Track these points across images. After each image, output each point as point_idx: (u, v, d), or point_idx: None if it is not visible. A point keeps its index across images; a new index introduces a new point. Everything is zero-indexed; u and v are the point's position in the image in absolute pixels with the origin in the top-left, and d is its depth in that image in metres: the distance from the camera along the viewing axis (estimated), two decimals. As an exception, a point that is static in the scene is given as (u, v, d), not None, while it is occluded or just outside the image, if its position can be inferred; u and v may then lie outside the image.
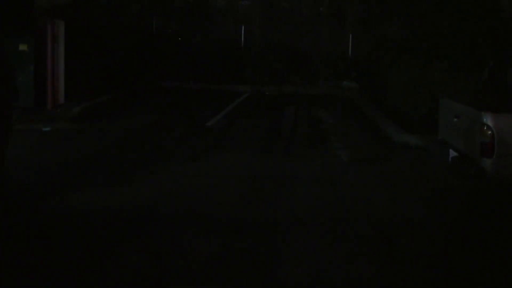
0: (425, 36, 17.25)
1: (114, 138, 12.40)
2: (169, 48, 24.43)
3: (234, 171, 9.84)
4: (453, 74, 14.44)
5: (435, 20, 17.36)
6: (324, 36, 25.77)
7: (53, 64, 15.47)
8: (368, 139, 13.39)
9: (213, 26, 26.35)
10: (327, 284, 5.60)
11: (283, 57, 24.57)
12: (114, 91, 18.64)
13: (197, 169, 9.86)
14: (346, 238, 6.78)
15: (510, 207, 8.22)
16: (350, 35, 25.36)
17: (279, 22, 26.30)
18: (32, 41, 14.88)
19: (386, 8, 20.59)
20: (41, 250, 6.15)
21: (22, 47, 14.80)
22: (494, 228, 7.39)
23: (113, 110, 16.33)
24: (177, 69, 23.57)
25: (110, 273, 5.66)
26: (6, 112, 7.11)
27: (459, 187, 9.10)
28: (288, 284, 5.58)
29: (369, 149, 12.31)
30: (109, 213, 7.35)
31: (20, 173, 8.76)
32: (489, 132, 7.51)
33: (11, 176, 7.48)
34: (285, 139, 13.10)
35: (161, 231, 6.79)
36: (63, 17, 16.37)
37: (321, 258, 6.15)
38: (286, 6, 27.79)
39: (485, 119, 7.58)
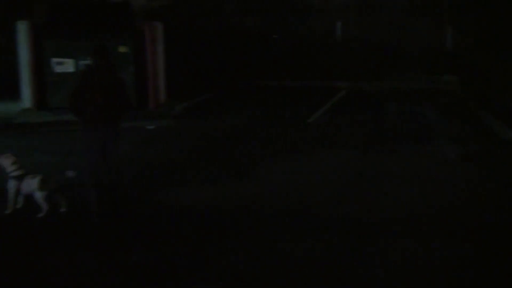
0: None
1: (216, 135, 12.49)
2: (265, 47, 24.40)
3: (335, 168, 9.64)
4: None
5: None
6: (421, 28, 25.06)
7: (153, 65, 15.74)
8: (473, 135, 12.81)
9: (308, 23, 26.10)
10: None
11: (380, 52, 24.07)
12: (212, 90, 18.78)
13: (299, 166, 9.76)
14: (451, 241, 6.43)
15: None
16: (449, 26, 24.57)
17: (375, 16, 25.79)
18: (131, 43, 15.16)
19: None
20: (146, 239, 6.40)
21: (122, 49, 15.09)
22: None
23: (213, 108, 16.48)
24: (273, 67, 23.49)
25: (216, 263, 5.76)
26: (118, 119, 7.36)
27: None
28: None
29: (474, 145, 11.75)
30: (212, 208, 7.47)
31: (129, 169, 8.83)
32: None
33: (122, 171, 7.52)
34: (386, 135, 12.75)
35: (262, 228, 6.78)
36: (161, 19, 16.59)
37: (421, 261, 5.87)
38: (382, -1, 27.23)
39: None
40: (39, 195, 7.12)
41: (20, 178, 7.20)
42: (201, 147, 11.24)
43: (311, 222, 6.98)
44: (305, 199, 7.87)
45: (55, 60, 15.08)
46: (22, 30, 15.00)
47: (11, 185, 7.21)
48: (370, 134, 12.89)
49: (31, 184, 7.14)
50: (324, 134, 12.86)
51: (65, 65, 15.13)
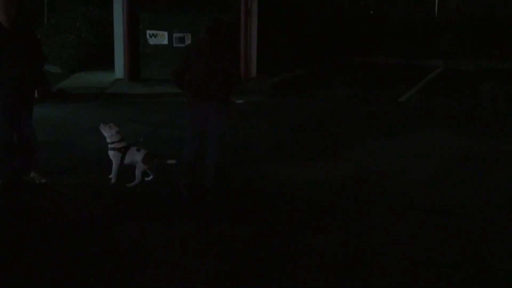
0: None
1: (308, 112, 12.41)
2: (361, 23, 23.90)
3: (429, 150, 9.34)
4: None
5: None
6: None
7: (246, 38, 15.66)
8: None
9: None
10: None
11: (480, 29, 23.10)
12: (306, 66, 18.56)
13: (391, 146, 9.53)
14: None
15: None
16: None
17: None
18: (226, 16, 15.12)
19: None
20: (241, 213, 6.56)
21: (214, 21, 15.09)
22: None
23: (306, 84, 16.31)
24: (368, 44, 22.99)
25: (313, 238, 5.83)
26: (227, 96, 7.17)
27: None
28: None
29: None
30: (308, 187, 7.47)
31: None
32: None
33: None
34: (483, 117, 12.26)
35: (358, 209, 6.72)
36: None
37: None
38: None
39: None
40: (140, 169, 7.29)
41: (123, 150, 7.34)
42: (292, 125, 11.16)
43: (408, 204, 6.88)
44: (402, 181, 7.75)
45: (149, 32, 15.27)
46: (118, 1, 15.23)
47: (117, 156, 7.35)
48: (465, 115, 12.41)
49: (136, 156, 7.32)
50: (415, 114, 12.52)
51: (159, 38, 15.31)
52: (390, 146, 9.51)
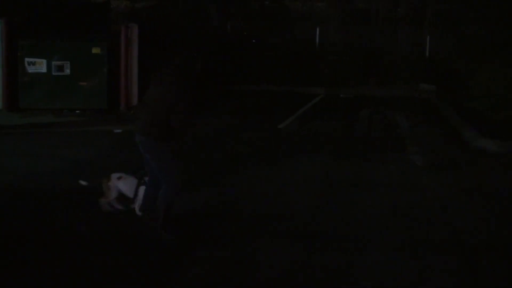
0: (509, 35, 16.57)
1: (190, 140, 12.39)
2: (244, 51, 24.35)
3: (306, 175, 9.61)
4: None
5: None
6: (401, 37, 25.19)
7: (126, 67, 15.64)
8: (445, 144, 12.91)
9: (288, 28, 26.13)
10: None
11: (358, 59, 24.14)
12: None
13: (269, 172, 9.68)
14: (419, 248, 6.44)
15: None
16: (428, 35, 24.69)
17: (355, 23, 25.87)
18: (105, 44, 15.09)
19: (467, 4, 19.92)
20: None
21: (95, 50, 15.05)
22: None
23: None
24: (251, 72, 23.45)
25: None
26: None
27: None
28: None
29: (444, 154, 11.83)
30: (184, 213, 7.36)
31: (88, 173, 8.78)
32: None
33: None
34: (359, 142, 12.78)
35: (236, 236, 6.69)
36: (139, 21, 16.49)
37: (395, 270, 5.86)
38: (363, 6, 27.29)
39: None
40: None
41: None
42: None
43: (284, 230, 6.98)
44: (279, 206, 7.85)
45: (28, 59, 14.94)
46: (-2, 28, 14.87)
47: None
48: (342, 141, 12.89)
49: None
50: (294, 140, 12.85)
51: (38, 65, 15.00)
52: (265, 173, 9.69)
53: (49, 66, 15.00)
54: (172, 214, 6.53)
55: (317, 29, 25.44)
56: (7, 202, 7.61)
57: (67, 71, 14.93)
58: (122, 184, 7.25)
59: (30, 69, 15.00)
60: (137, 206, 7.07)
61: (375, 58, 24.40)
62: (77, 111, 15.02)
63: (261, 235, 6.67)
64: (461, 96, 17.27)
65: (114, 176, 7.28)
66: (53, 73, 14.99)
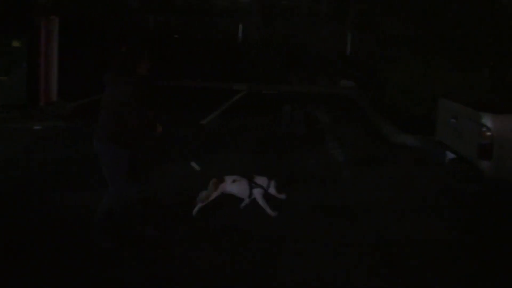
0: (425, 35, 17.06)
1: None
2: (166, 46, 24.10)
3: (228, 170, 9.59)
4: (453, 73, 14.28)
5: (436, 19, 17.18)
6: (323, 34, 25.45)
7: (46, 61, 15.26)
8: (365, 139, 13.18)
9: (211, 24, 26.03)
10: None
11: (281, 55, 24.29)
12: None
13: (189, 168, 9.61)
14: (340, 243, 6.57)
15: (509, 210, 8.01)
16: (349, 33, 25.12)
17: (278, 19, 26.03)
18: (25, 38, 14.67)
19: (387, 5, 20.38)
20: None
21: (15, 43, 14.60)
22: (492, 230, 7.20)
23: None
24: (174, 67, 23.23)
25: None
26: None
27: (456, 189, 8.88)
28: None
29: (364, 149, 12.10)
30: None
31: (8, 172, 8.57)
32: (488, 133, 7.31)
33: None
34: (281, 138, 12.89)
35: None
36: (61, 14, 16.07)
37: (319, 265, 5.97)
38: (285, 3, 27.49)
39: (484, 120, 7.38)
40: None
41: None
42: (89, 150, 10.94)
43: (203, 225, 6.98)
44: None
45: None
46: None
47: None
48: (264, 136, 12.98)
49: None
50: (217, 136, 12.85)
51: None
52: (187, 168, 9.61)
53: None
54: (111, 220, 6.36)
55: (240, 25, 25.47)
56: None
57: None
58: (236, 186, 7.34)
59: None
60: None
61: (297, 54, 24.61)
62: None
63: (183, 233, 6.69)
64: (380, 92, 17.65)
65: (229, 178, 7.36)
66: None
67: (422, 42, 17.03)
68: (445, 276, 5.85)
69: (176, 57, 23.36)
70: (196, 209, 7.24)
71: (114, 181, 6.14)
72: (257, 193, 7.33)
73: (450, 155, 8.60)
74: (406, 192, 8.81)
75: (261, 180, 7.40)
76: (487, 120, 7.37)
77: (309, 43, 24.90)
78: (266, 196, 7.33)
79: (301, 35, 25.07)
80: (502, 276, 5.93)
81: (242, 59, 24.09)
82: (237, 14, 26.19)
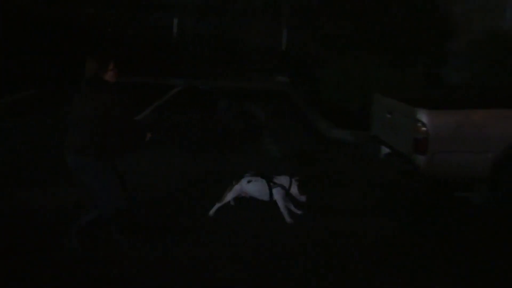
0: (360, 31, 17.23)
1: (35, 134, 11.84)
2: (101, 41, 23.59)
3: (161, 167, 9.48)
4: (388, 70, 14.43)
5: (371, 16, 17.37)
6: (259, 30, 25.44)
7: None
8: (301, 134, 13.17)
9: (147, 18, 25.64)
10: None
11: (217, 51, 24.17)
12: (39, 85, 17.76)
13: (121, 165, 9.39)
14: (272, 240, 6.49)
15: (444, 204, 8.11)
16: (284, 28, 25.17)
17: (214, 15, 25.86)
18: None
19: (322, 2, 20.51)
20: None
21: None
22: (427, 224, 7.26)
23: (36, 105, 15.55)
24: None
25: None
26: None
27: (392, 184, 8.95)
28: None
29: (300, 145, 12.08)
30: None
31: None
32: (423, 128, 7.37)
33: None
34: (218, 135, 12.76)
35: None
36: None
37: (248, 262, 5.86)
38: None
39: (419, 116, 7.43)
40: None
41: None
42: (12, 148, 10.66)
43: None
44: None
45: None
46: None
47: None
48: (200, 133, 12.80)
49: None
50: (151, 132, 12.56)
51: None
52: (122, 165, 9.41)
53: None
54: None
55: (175, 20, 25.20)
56: None
57: None
58: (252, 186, 6.95)
59: None
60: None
61: (233, 50, 24.52)
62: None
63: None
64: (316, 88, 17.70)
65: (245, 179, 6.99)
66: None
67: (357, 39, 17.20)
68: (385, 271, 5.85)
69: (111, 53, 22.89)
70: (213, 209, 7.03)
71: (106, 193, 5.93)
72: (278, 193, 6.92)
73: (385, 150, 8.65)
74: (342, 187, 8.82)
75: (281, 179, 7.02)
76: (422, 115, 7.42)
77: (245, 38, 24.85)
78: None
79: (237, 30, 24.99)
80: (438, 269, 5.96)
81: (178, 55, 23.85)
82: (172, 8, 25.89)
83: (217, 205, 7.04)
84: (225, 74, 23.74)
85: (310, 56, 20.20)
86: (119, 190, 5.97)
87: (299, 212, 7.09)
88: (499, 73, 13.74)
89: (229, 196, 7.04)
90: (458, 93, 10.88)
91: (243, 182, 7.01)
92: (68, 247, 5.99)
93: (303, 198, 7.00)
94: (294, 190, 6.98)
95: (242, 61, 24.33)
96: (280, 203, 6.91)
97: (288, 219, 6.91)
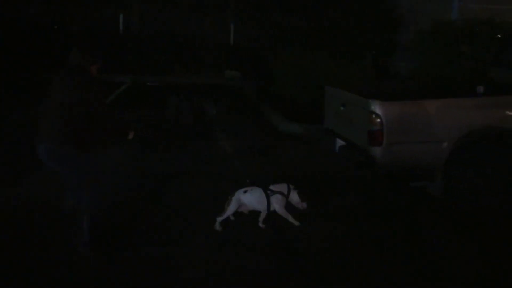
0: (308, 25, 17.25)
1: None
2: (44, 38, 23.04)
3: (113, 166, 9.23)
4: (337, 62, 14.44)
5: (319, 10, 17.40)
6: (207, 24, 25.29)
7: None
8: (253, 129, 13.07)
9: (92, 14, 25.17)
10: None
11: (165, 46, 23.87)
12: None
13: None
14: (237, 239, 6.39)
15: (400, 196, 8.09)
16: (232, 23, 25.04)
17: (161, 9, 25.56)
18: None
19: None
20: None
21: None
22: (383, 216, 7.22)
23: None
24: (52, 59, 22.24)
25: None
26: None
27: (349, 176, 8.90)
28: None
29: (253, 139, 11.97)
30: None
31: None
32: (378, 120, 7.30)
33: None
34: (168, 132, 12.55)
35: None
36: None
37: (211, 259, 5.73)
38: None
39: (373, 107, 7.36)
40: None
41: None
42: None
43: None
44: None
45: None
46: None
47: None
48: (150, 130, 12.56)
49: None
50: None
51: None
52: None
53: None
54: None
55: (121, 15, 24.80)
56: None
57: None
58: (248, 196, 6.58)
59: None
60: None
61: (182, 45, 24.28)
62: None
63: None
64: (266, 82, 17.64)
65: (240, 190, 6.60)
66: None
67: (306, 32, 17.21)
68: (346, 265, 5.77)
69: (54, 49, 22.41)
70: (216, 223, 6.65)
71: (86, 185, 5.78)
72: (276, 200, 6.57)
73: (339, 143, 8.58)
74: (299, 181, 8.71)
75: (279, 187, 6.68)
76: (376, 107, 7.35)
77: (193, 33, 24.64)
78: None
79: (186, 24, 24.76)
80: (396, 262, 5.91)
81: (125, 51, 23.47)
82: (118, 3, 25.47)
83: (219, 219, 6.68)
84: (174, 70, 23.48)
85: (261, 50, 20.15)
86: (99, 183, 5.87)
87: (297, 223, 6.74)
88: (446, 63, 13.87)
89: (229, 210, 6.65)
90: (410, 84, 10.90)
91: (239, 193, 6.69)
92: (83, 255, 5.74)
93: (304, 205, 6.68)
94: (294, 197, 6.68)
95: (191, 57, 24.11)
96: (281, 211, 6.62)
97: (295, 222, 6.64)
